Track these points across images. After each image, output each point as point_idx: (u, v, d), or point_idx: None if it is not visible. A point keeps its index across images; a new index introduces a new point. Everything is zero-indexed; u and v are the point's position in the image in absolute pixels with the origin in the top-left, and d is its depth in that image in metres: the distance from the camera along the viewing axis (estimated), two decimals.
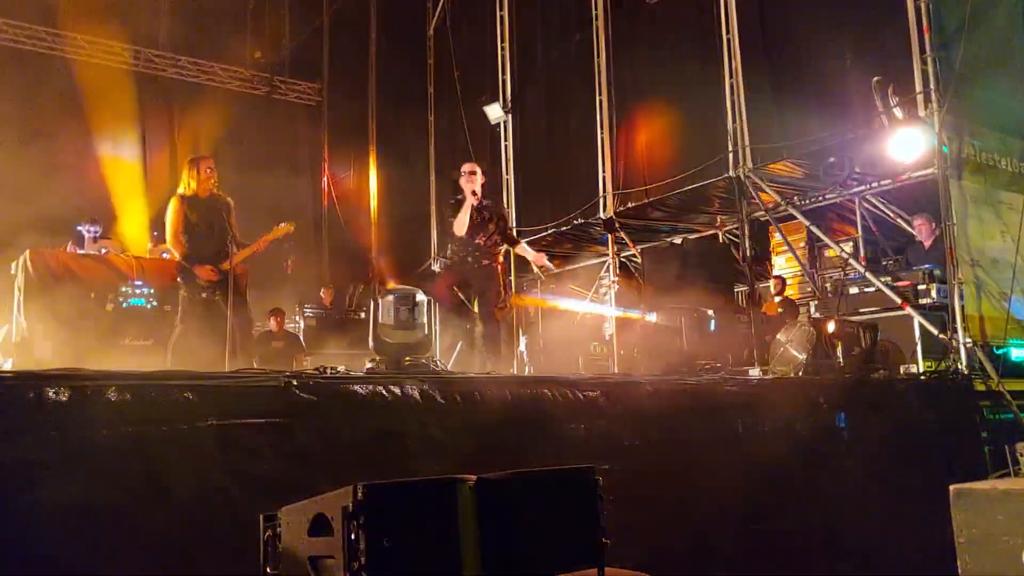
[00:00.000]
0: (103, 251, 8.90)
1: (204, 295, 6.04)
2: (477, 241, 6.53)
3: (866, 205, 8.58)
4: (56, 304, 7.48)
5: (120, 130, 13.46)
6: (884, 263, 7.59)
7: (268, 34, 15.95)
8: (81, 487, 2.54)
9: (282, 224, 6.58)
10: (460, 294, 6.68)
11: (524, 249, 7.20)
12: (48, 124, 12.37)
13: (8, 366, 6.81)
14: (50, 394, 2.57)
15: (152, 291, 7.81)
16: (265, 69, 15.64)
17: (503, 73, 11.90)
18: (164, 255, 8.98)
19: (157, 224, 10.94)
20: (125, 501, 2.60)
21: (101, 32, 13.46)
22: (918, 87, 6.92)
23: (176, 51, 14.50)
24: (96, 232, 9.25)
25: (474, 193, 6.47)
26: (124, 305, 7.71)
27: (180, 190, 6.33)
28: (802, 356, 5.89)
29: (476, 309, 6.58)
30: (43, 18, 13.07)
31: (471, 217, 6.45)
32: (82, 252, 8.76)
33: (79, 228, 9.27)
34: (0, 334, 7.88)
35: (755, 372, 5.88)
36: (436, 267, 12.91)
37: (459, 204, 6.50)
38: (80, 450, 2.57)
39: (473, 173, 6.55)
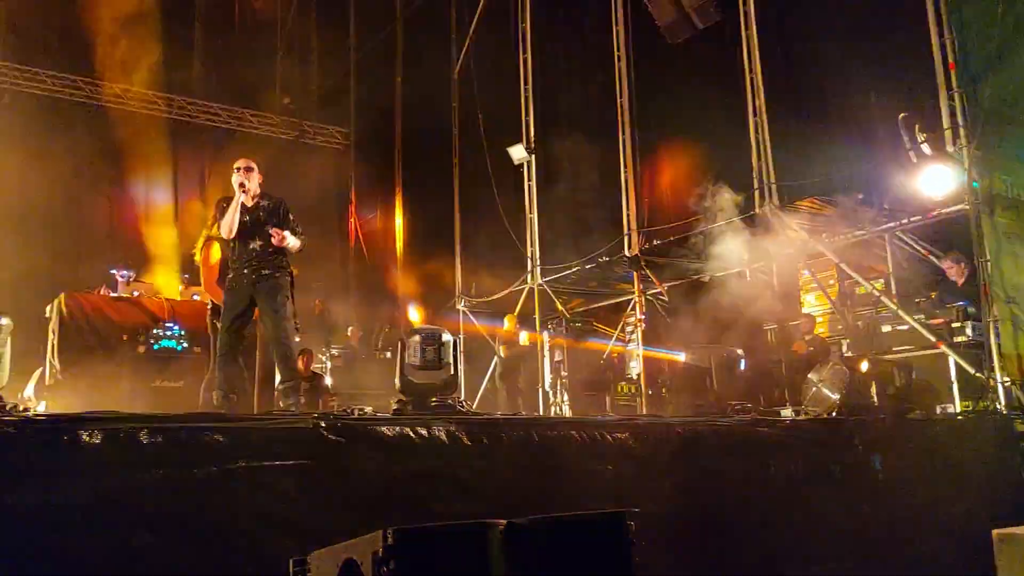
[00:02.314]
0: (135, 294, 9.04)
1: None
2: (252, 247, 5.64)
3: (896, 242, 8.49)
4: (89, 346, 7.60)
5: (153, 175, 13.79)
6: (917, 300, 7.49)
7: (297, 80, 16.32)
8: (114, 529, 2.54)
9: None
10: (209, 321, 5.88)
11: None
12: (84, 170, 12.67)
13: (42, 408, 6.89)
14: (84, 437, 2.59)
15: (183, 333, 7.92)
16: (294, 114, 15.98)
17: (526, 114, 12.02)
18: (195, 297, 9.09)
19: (188, 267, 11.14)
20: (156, 543, 2.60)
21: (136, 81, 13.84)
22: (945, 123, 6.88)
23: (208, 98, 14.86)
24: (129, 276, 9.42)
25: (242, 186, 5.58)
26: (155, 347, 7.82)
27: (213, 231, 6.33)
28: (835, 396, 5.79)
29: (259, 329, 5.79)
30: (81, 68, 13.47)
31: (241, 219, 5.58)
32: (115, 295, 8.90)
33: (112, 272, 9.44)
34: (34, 376, 7.99)
35: (787, 413, 5.79)
36: (459, 305, 12.94)
37: (228, 203, 5.68)
38: (113, 493, 2.58)
39: (250, 169, 5.69)
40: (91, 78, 13.59)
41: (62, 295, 8.04)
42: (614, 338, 11.58)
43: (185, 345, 7.88)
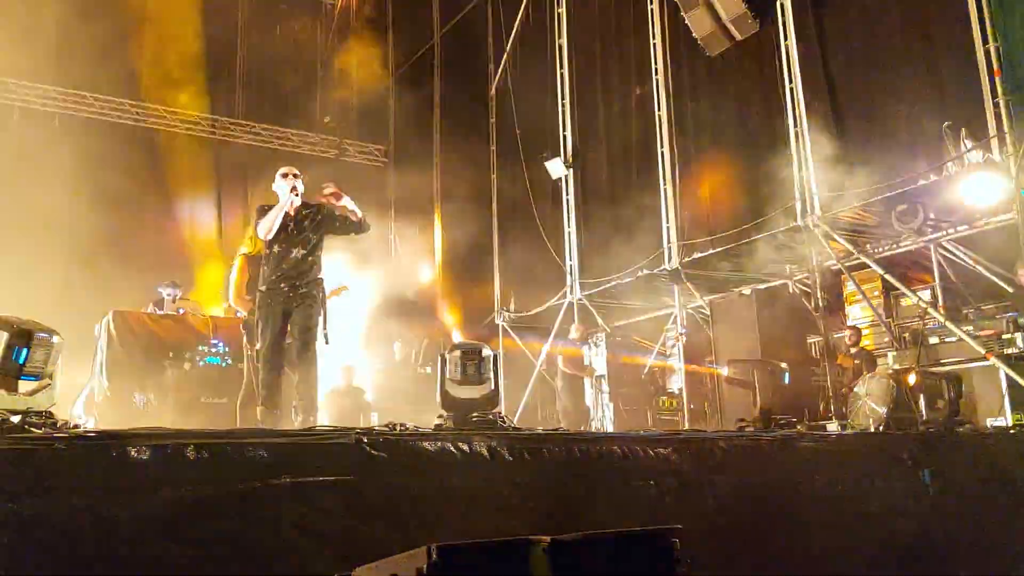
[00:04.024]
0: (181, 312, 9.20)
1: None
2: (294, 255, 5.61)
3: (942, 252, 8.32)
4: (137, 363, 7.75)
5: (198, 195, 14.09)
6: (965, 311, 7.32)
7: (336, 99, 16.57)
8: (161, 543, 2.58)
9: (335, 287, 6.72)
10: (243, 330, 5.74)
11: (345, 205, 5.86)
12: (131, 191, 12.97)
13: (91, 425, 7.03)
14: (132, 453, 2.64)
15: (227, 350, 8.04)
16: (334, 133, 16.21)
17: (564, 129, 12.04)
18: (239, 314, 9.23)
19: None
20: (202, 558, 2.63)
21: (181, 103, 14.17)
22: (991, 131, 6.75)
23: (250, 118, 15.15)
24: (174, 294, 9.59)
25: (294, 190, 5.59)
26: (200, 364, 7.95)
27: (245, 249, 6.49)
28: (882, 410, 5.67)
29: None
30: (128, 91, 13.83)
31: (284, 224, 5.58)
32: (161, 313, 9.07)
33: (159, 290, 9.63)
34: (83, 393, 8.16)
35: (833, 427, 5.69)
36: (498, 320, 12.95)
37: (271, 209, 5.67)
38: (160, 507, 2.62)
39: (297, 175, 5.72)
40: (137, 101, 13.94)
41: (110, 313, 8.21)
42: (655, 352, 11.50)
43: (229, 362, 7.99)
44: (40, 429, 3.18)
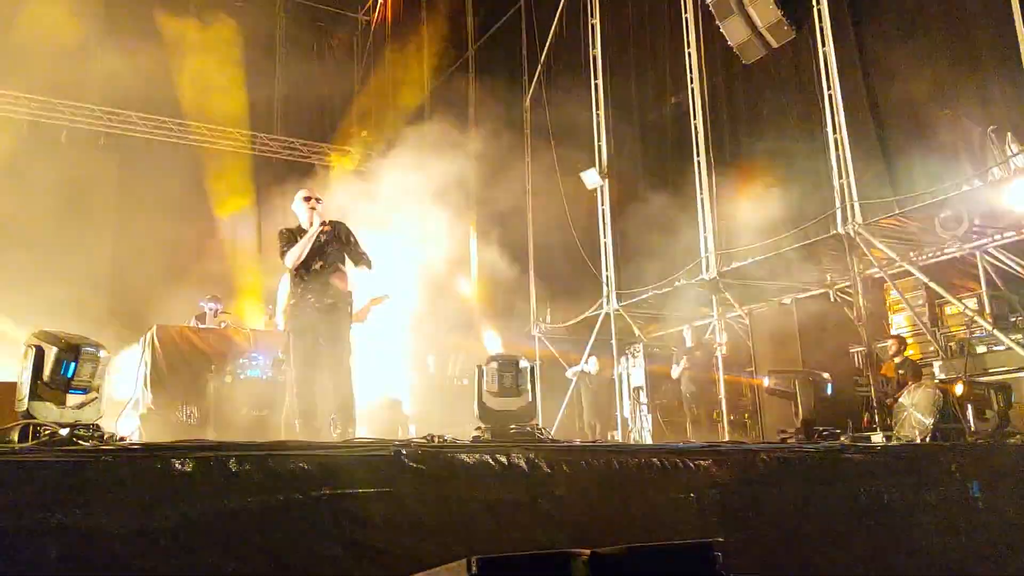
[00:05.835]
0: (223, 325, 9.33)
1: None
2: (315, 268, 5.66)
3: (988, 259, 8.14)
4: (179, 376, 7.87)
5: (238, 211, 14.30)
6: (1013, 319, 7.15)
7: (373, 114, 16.75)
8: (204, 555, 2.61)
9: (377, 295, 6.75)
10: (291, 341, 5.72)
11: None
12: (173, 207, 13.23)
13: (136, 437, 7.15)
14: (176, 464, 2.67)
15: (268, 362, 8.12)
16: (371, 147, 16.38)
17: (599, 139, 12.02)
18: (279, 327, 9.34)
19: (271, 298, 11.48)
20: (244, 570, 2.65)
21: (221, 120, 14.44)
22: None
23: (288, 134, 15.39)
24: (217, 308, 9.73)
25: (322, 218, 5.66)
26: (242, 376, 8.04)
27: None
28: (929, 420, 5.55)
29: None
30: (169, 110, 14.14)
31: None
32: (204, 327, 9.20)
33: (201, 304, 9.78)
34: (128, 406, 8.30)
35: (878, 438, 5.57)
36: (534, 331, 12.93)
37: (295, 233, 5.72)
38: (203, 519, 2.65)
39: (319, 200, 5.78)
40: (179, 119, 14.24)
41: (154, 327, 8.36)
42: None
43: (270, 374, 8.08)
44: (88, 442, 3.24)
